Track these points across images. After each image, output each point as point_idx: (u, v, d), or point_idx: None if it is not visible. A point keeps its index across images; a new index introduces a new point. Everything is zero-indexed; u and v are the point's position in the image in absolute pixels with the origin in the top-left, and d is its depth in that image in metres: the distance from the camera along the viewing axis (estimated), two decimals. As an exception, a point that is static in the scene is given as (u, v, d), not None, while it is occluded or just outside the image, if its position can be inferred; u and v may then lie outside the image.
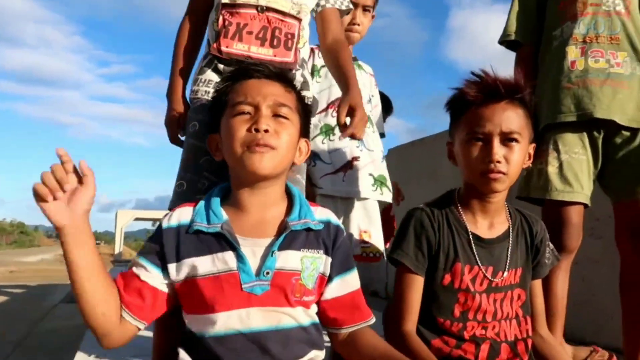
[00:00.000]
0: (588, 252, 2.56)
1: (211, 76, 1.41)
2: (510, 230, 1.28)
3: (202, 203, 1.05)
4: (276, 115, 1.03)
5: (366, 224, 1.68)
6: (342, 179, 1.64)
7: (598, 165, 1.67)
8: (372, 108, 1.80)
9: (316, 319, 1.07)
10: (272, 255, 0.99)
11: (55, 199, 0.87)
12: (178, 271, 0.99)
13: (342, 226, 1.14)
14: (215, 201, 1.04)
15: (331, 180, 1.63)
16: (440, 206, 1.28)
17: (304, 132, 1.11)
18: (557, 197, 1.60)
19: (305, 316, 1.03)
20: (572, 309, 2.62)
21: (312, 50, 1.69)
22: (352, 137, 1.32)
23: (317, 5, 1.49)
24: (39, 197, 0.86)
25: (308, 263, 1.03)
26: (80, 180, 0.90)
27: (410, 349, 1.15)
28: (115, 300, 0.96)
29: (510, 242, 1.27)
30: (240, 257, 0.98)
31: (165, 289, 1.00)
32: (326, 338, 1.10)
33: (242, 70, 1.10)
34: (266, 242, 1.01)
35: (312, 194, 1.59)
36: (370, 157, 1.72)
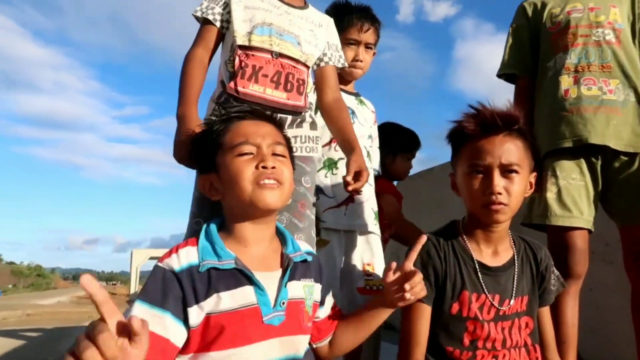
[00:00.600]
0: (600, 277, 2.54)
1: None
2: (515, 258, 1.30)
3: (203, 241, 1.04)
4: (274, 154, 1.09)
5: (369, 256, 1.71)
6: (344, 213, 1.68)
7: (599, 190, 1.69)
8: (372, 143, 1.85)
9: (308, 346, 1.13)
10: (285, 287, 1.05)
11: None
12: (199, 313, 0.96)
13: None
14: (218, 237, 1.05)
15: (334, 214, 1.67)
16: (446, 236, 1.31)
17: (293, 167, 1.18)
18: (557, 223, 1.62)
19: (306, 344, 1.10)
20: (587, 336, 2.58)
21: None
22: (356, 192, 1.41)
23: (320, 60, 1.58)
24: None
25: (307, 291, 1.11)
26: (129, 337, 0.72)
27: (420, 380, 1.17)
28: None
29: (516, 269, 1.29)
30: (260, 291, 1.01)
31: (178, 341, 0.95)
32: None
33: (234, 112, 1.14)
34: (274, 274, 1.06)
35: (317, 228, 1.63)
36: (370, 191, 1.76)
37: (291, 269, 1.07)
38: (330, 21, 1.64)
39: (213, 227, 1.08)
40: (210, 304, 0.97)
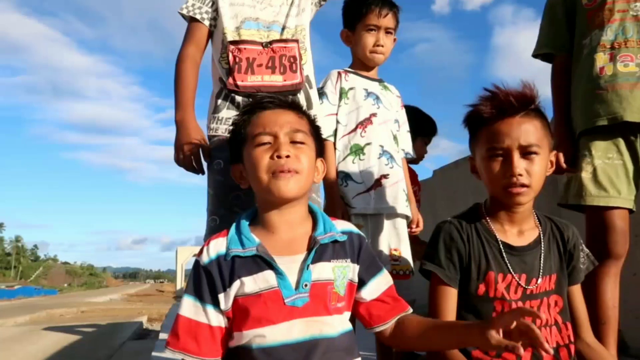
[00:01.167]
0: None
1: (228, 114, 1.52)
2: (542, 237, 1.29)
3: (232, 231, 1.12)
4: (293, 141, 1.11)
5: (396, 242, 1.73)
6: (372, 197, 1.70)
7: (639, 168, 1.63)
8: (399, 127, 1.85)
9: (349, 327, 1.13)
10: (307, 269, 1.07)
11: None
12: (227, 298, 1.05)
13: (362, 234, 1.22)
14: (245, 226, 1.11)
15: (363, 199, 1.69)
16: (469, 218, 1.31)
17: (319, 152, 1.19)
18: (593, 203, 1.58)
19: (340, 325, 1.10)
20: (632, 323, 2.49)
21: (339, 73, 1.78)
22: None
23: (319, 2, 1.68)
24: None
25: (339, 272, 1.11)
26: None
27: None
28: None
29: (543, 248, 1.27)
30: (279, 274, 1.05)
31: (220, 322, 1.06)
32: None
33: (256, 104, 1.18)
34: (299, 258, 1.09)
35: (347, 214, 1.65)
36: (400, 173, 1.77)
37: (317, 251, 1.09)
38: None
39: (243, 216, 1.15)
40: (235, 288, 1.05)
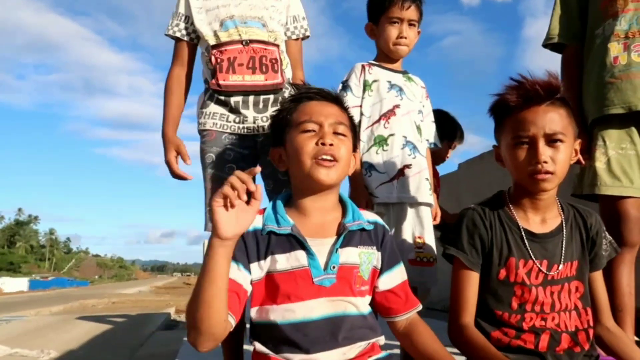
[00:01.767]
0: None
1: (215, 109, 1.62)
2: (564, 224, 1.31)
3: (269, 209, 1.18)
4: (335, 132, 1.17)
5: (420, 230, 1.76)
6: (395, 186, 1.74)
7: None
8: (424, 118, 1.88)
9: (370, 310, 1.20)
10: (336, 252, 1.14)
11: (232, 206, 0.97)
12: (260, 268, 1.12)
13: (387, 226, 1.28)
14: (281, 206, 1.18)
15: (386, 188, 1.73)
16: (492, 206, 1.34)
17: (354, 147, 1.26)
18: (606, 192, 1.60)
19: (363, 306, 1.17)
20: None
21: (363, 66, 1.82)
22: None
23: (284, 34, 1.72)
24: (220, 201, 0.95)
25: (364, 257, 1.18)
26: (248, 202, 0.99)
27: (469, 340, 1.22)
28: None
29: (565, 235, 1.29)
30: (310, 255, 1.12)
31: (248, 287, 1.11)
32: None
33: (303, 93, 1.25)
34: (329, 241, 1.16)
35: (370, 203, 1.69)
36: (423, 163, 1.80)
37: (345, 237, 1.16)
38: None
39: (279, 197, 1.22)
40: (268, 264, 1.12)
